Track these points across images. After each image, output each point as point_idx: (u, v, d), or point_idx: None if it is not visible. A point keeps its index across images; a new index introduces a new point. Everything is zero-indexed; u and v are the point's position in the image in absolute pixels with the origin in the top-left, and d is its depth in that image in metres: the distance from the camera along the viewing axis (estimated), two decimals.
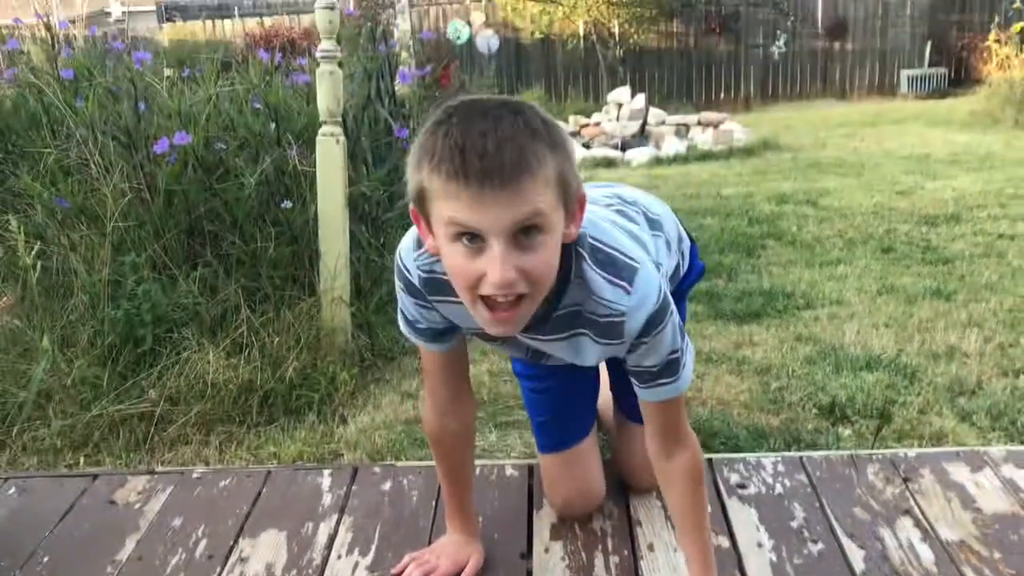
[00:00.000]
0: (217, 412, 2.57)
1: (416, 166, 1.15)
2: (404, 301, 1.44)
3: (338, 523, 1.79)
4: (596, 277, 1.30)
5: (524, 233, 1.13)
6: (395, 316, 3.07)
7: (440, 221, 1.15)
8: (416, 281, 1.37)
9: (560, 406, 1.79)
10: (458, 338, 1.50)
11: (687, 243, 1.75)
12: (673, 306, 1.35)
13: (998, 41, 10.21)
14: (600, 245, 1.32)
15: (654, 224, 1.59)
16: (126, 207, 2.89)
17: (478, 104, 1.15)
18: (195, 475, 1.99)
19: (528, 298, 1.18)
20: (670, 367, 1.37)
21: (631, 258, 1.32)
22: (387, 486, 1.91)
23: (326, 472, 1.98)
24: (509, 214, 1.10)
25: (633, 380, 1.41)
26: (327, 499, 1.87)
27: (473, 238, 1.13)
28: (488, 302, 1.17)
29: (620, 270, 1.30)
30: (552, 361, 1.59)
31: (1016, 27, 10.23)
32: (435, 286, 1.36)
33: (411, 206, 1.23)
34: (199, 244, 2.95)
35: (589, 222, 1.33)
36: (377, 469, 1.99)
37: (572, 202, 1.20)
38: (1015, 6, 11.13)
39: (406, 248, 1.38)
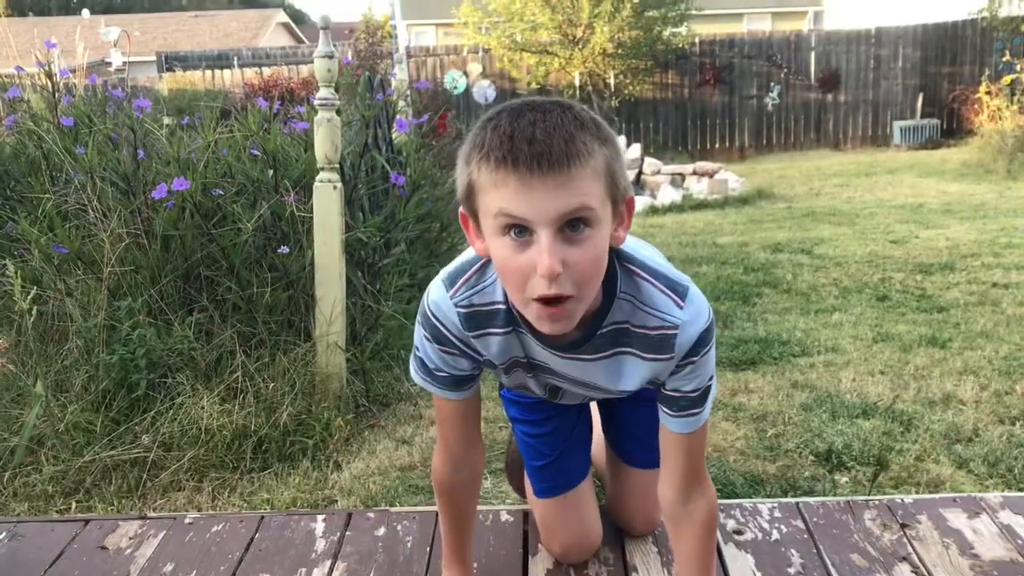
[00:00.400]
0: (210, 458, 2.55)
1: (465, 161, 1.17)
2: (427, 350, 1.42)
3: (331, 569, 1.77)
4: (649, 287, 1.30)
5: (571, 227, 1.13)
6: (390, 362, 3.12)
7: (488, 214, 1.15)
8: (454, 322, 1.36)
9: (558, 450, 1.77)
10: (476, 386, 1.50)
11: None
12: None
13: (989, 93, 10.36)
14: (649, 263, 1.33)
15: None
16: (123, 252, 2.90)
17: (528, 101, 1.16)
18: (187, 520, 1.97)
19: (575, 299, 1.17)
20: (704, 395, 1.37)
21: (679, 278, 1.33)
22: (381, 531, 1.89)
23: (320, 518, 1.97)
24: (557, 203, 1.10)
25: (664, 410, 1.39)
26: (320, 544, 1.85)
27: (521, 231, 1.13)
28: (540, 301, 1.16)
29: (674, 283, 1.31)
30: (566, 399, 1.58)
31: (1006, 79, 10.39)
32: (477, 320, 1.35)
33: (460, 210, 1.24)
34: (195, 289, 2.95)
35: (635, 245, 1.34)
36: (371, 515, 1.97)
37: (620, 201, 1.20)
38: (1005, 59, 11.31)
39: (437, 293, 1.37)
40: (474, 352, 1.40)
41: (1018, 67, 10.22)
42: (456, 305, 1.35)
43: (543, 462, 1.78)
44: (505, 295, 1.32)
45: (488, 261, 1.32)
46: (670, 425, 1.40)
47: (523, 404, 1.75)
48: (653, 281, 1.31)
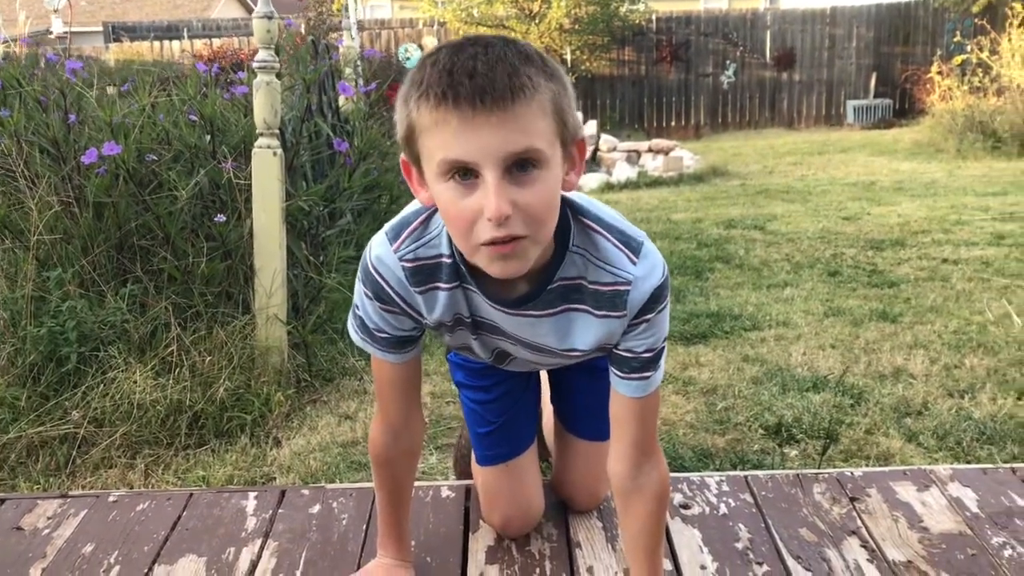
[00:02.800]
0: (143, 434, 2.46)
1: (404, 102, 1.08)
2: (367, 308, 1.34)
3: (262, 548, 1.68)
4: (603, 241, 1.24)
5: (519, 168, 1.06)
6: (334, 336, 3.03)
7: (430, 158, 1.07)
8: (399, 277, 1.28)
9: (504, 417, 1.71)
10: (417, 348, 1.42)
11: None
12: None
13: (940, 73, 10.44)
14: (604, 217, 1.27)
15: None
16: (52, 220, 2.78)
17: (470, 36, 1.08)
18: (111, 499, 1.87)
19: (529, 240, 1.09)
20: (657, 357, 1.31)
21: (635, 233, 1.27)
22: (316, 509, 1.81)
23: (251, 495, 1.88)
24: (502, 141, 1.03)
25: (615, 372, 1.33)
26: (251, 523, 1.77)
27: (465, 173, 1.06)
28: (487, 244, 1.09)
29: (628, 238, 1.25)
30: (514, 366, 1.51)
31: (957, 60, 10.48)
32: (423, 273, 1.28)
33: (401, 157, 1.16)
34: (129, 259, 2.84)
35: (589, 201, 1.28)
36: (305, 491, 1.89)
37: (570, 142, 1.13)
38: (956, 39, 11.42)
39: (380, 247, 1.29)
40: (416, 312, 1.32)
41: (968, 48, 10.31)
42: (401, 259, 1.27)
43: (487, 429, 1.72)
44: (452, 247, 1.25)
45: (434, 211, 1.25)
46: (621, 388, 1.33)
47: (469, 368, 1.68)
48: (607, 235, 1.24)
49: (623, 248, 1.24)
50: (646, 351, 1.29)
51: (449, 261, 1.27)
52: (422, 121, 1.06)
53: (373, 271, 1.29)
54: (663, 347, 1.31)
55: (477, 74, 1.01)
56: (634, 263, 1.23)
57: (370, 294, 1.32)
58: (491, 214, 1.04)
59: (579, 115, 1.16)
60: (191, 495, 1.88)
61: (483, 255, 1.11)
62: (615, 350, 1.31)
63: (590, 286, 1.25)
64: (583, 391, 1.71)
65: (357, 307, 1.37)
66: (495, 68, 1.02)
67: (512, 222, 1.06)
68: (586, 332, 1.30)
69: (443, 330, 1.37)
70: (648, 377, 1.31)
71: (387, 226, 1.31)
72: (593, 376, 1.66)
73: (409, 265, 1.27)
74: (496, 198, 1.04)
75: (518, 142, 1.04)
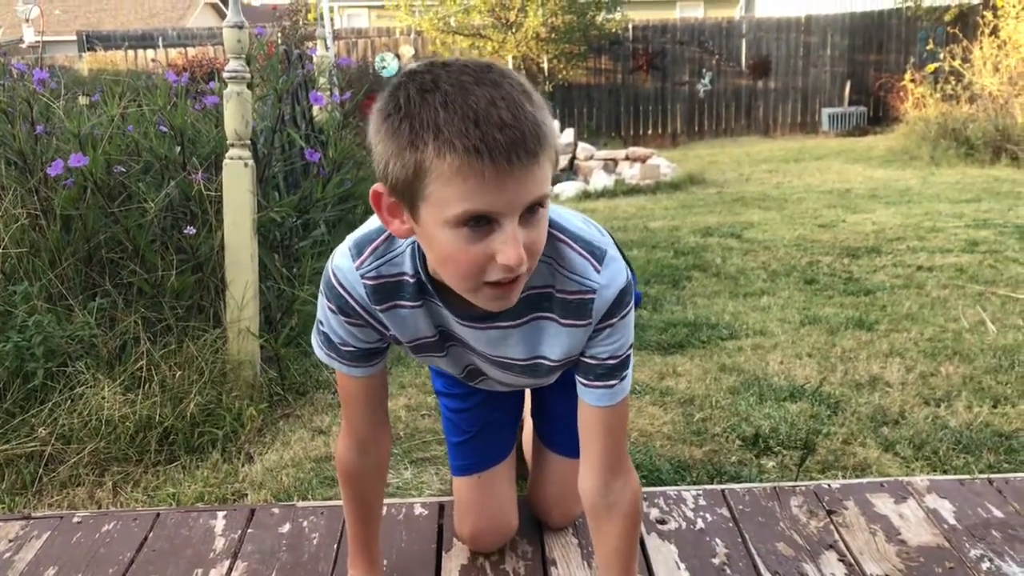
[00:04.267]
0: (112, 451, 2.41)
1: (410, 143, 1.01)
2: (331, 323, 1.31)
3: (230, 569, 1.65)
4: (568, 251, 1.23)
5: (530, 211, 1.05)
6: (307, 349, 2.99)
7: (443, 206, 1.02)
8: (361, 294, 1.26)
9: (481, 426, 1.70)
10: (383, 361, 1.40)
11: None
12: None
13: (913, 81, 10.52)
14: (568, 226, 1.26)
15: None
16: (19, 233, 2.73)
17: (462, 67, 1.03)
18: (75, 519, 1.83)
19: (526, 273, 1.10)
20: (622, 365, 1.30)
21: (599, 242, 1.26)
22: (286, 528, 1.78)
23: (220, 514, 1.84)
24: (526, 193, 1.02)
25: (581, 381, 1.32)
26: (219, 543, 1.73)
27: (480, 221, 1.03)
28: (490, 284, 1.08)
29: (592, 247, 1.24)
30: (485, 384, 1.49)
31: (930, 68, 10.57)
32: (385, 292, 1.26)
33: (379, 188, 1.09)
34: (97, 273, 2.79)
35: (554, 210, 1.26)
36: (276, 510, 1.85)
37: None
38: (929, 47, 11.52)
39: (343, 262, 1.26)
40: (381, 325, 1.30)
41: (941, 56, 10.40)
42: (363, 276, 1.25)
43: (462, 438, 1.71)
44: (415, 266, 1.23)
45: None
46: (587, 398, 1.32)
47: (449, 377, 1.66)
48: (572, 244, 1.24)
49: (587, 256, 1.23)
50: (610, 357, 1.28)
51: (412, 280, 1.24)
52: (440, 168, 1.00)
53: (337, 285, 1.27)
54: (628, 355, 1.30)
55: (507, 127, 0.98)
56: (598, 271, 1.23)
57: (334, 308, 1.29)
58: (512, 262, 1.04)
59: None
60: (158, 515, 1.85)
61: (485, 294, 1.10)
62: (581, 357, 1.30)
63: (557, 294, 1.25)
64: (562, 405, 1.68)
65: (321, 323, 1.34)
66: (520, 119, 0.99)
67: (522, 265, 1.06)
68: (554, 341, 1.29)
69: (407, 347, 1.35)
70: (613, 385, 1.30)
71: (350, 240, 1.28)
72: (572, 392, 1.64)
73: (371, 283, 1.25)
74: (517, 248, 1.03)
75: (538, 191, 1.04)
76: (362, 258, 1.25)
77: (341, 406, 1.48)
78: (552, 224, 1.23)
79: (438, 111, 0.99)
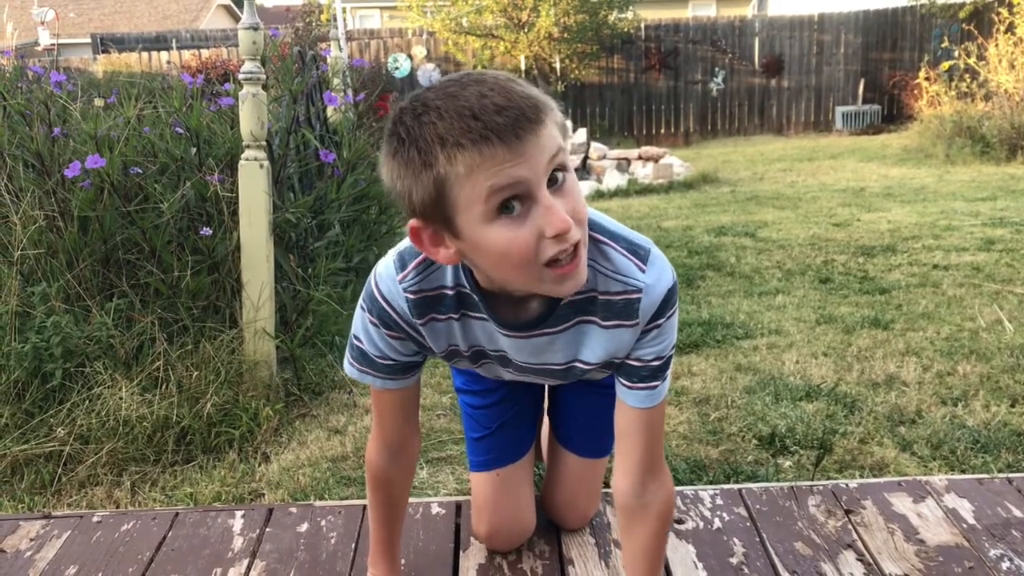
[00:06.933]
0: (130, 451, 2.42)
1: (423, 164, 1.02)
2: (372, 335, 1.31)
3: (249, 568, 1.65)
4: (611, 251, 1.22)
5: (552, 181, 1.05)
6: (323, 349, 3.00)
7: (474, 200, 1.02)
8: (403, 307, 1.26)
9: (500, 423, 1.70)
10: (419, 373, 1.40)
11: None
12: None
13: (928, 79, 10.48)
14: (608, 226, 1.25)
15: None
16: (36, 235, 2.74)
17: (446, 83, 1.05)
18: (95, 519, 1.84)
19: (582, 243, 1.09)
20: (665, 365, 1.29)
21: (642, 240, 1.26)
22: (304, 527, 1.79)
23: (238, 514, 1.85)
24: (544, 152, 1.02)
25: (622, 382, 1.31)
26: (238, 542, 1.74)
27: (510, 205, 1.03)
28: (551, 265, 1.07)
29: (635, 246, 1.24)
30: (526, 376, 1.49)
31: (945, 65, 10.52)
32: (425, 305, 1.26)
33: (414, 223, 1.10)
34: (115, 274, 2.80)
35: (592, 211, 1.25)
36: (293, 509, 1.86)
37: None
38: (943, 45, 11.46)
39: (386, 275, 1.27)
40: (420, 336, 1.31)
41: (956, 53, 10.35)
42: (405, 291, 1.25)
43: (481, 433, 1.71)
44: (457, 279, 1.23)
45: None
46: (628, 399, 1.31)
47: (470, 374, 1.67)
48: (614, 245, 1.23)
49: (631, 257, 1.22)
50: (655, 359, 1.28)
51: (451, 292, 1.25)
52: (457, 171, 1.01)
53: (380, 297, 1.27)
54: (671, 355, 1.30)
55: (503, 109, 1.00)
56: (643, 270, 1.22)
57: (376, 321, 1.29)
58: (560, 227, 1.03)
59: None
60: (177, 514, 1.85)
61: (549, 279, 1.09)
62: (625, 360, 1.29)
63: (601, 296, 1.24)
64: (580, 405, 1.69)
65: (358, 337, 1.34)
66: (513, 98, 1.01)
67: (571, 228, 1.05)
68: (595, 344, 1.28)
69: (440, 355, 1.36)
70: (655, 387, 1.30)
71: (393, 253, 1.28)
72: (591, 392, 1.64)
73: (413, 297, 1.26)
74: (559, 212, 1.03)
75: (554, 146, 1.04)
76: (405, 272, 1.25)
77: (373, 414, 1.48)
78: (591, 226, 1.22)
79: (436, 124, 1.01)
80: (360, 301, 1.31)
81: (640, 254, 1.23)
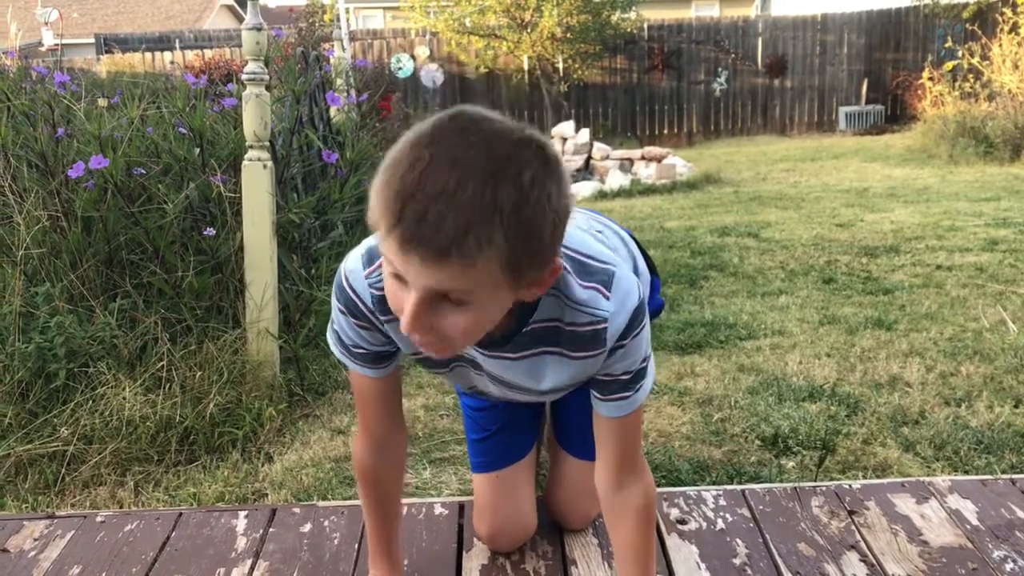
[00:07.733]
0: (133, 451, 2.42)
1: (378, 177, 0.99)
2: (342, 323, 1.32)
3: (252, 569, 1.66)
4: (574, 282, 1.19)
5: (445, 297, 1.00)
6: (327, 349, 3.00)
7: (384, 251, 1.01)
8: (366, 301, 1.26)
9: (500, 424, 1.71)
10: (396, 363, 1.40)
11: (647, 275, 1.65)
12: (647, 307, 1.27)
13: (931, 79, 10.46)
14: (572, 253, 1.22)
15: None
16: (40, 235, 2.75)
17: (466, 140, 0.96)
18: (99, 519, 1.84)
19: (449, 347, 1.07)
20: (636, 377, 1.28)
21: (604, 262, 1.22)
22: (307, 528, 1.79)
23: (242, 514, 1.85)
24: (428, 280, 0.97)
25: (595, 394, 1.32)
26: (241, 543, 1.74)
27: (400, 277, 1.01)
28: None
29: (595, 275, 1.21)
30: (489, 398, 1.49)
31: (948, 65, 10.51)
32: (388, 305, 1.26)
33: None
34: (118, 274, 2.81)
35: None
36: (297, 510, 1.86)
37: (527, 281, 1.04)
38: (947, 45, 11.45)
39: (354, 267, 1.26)
40: (384, 335, 1.30)
41: (959, 54, 10.34)
42: (371, 286, 1.25)
43: (481, 435, 1.72)
44: None
45: None
46: (601, 409, 1.32)
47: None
48: (577, 277, 1.20)
49: (595, 286, 1.20)
50: (624, 373, 1.27)
51: None
52: (376, 214, 0.97)
53: (347, 287, 1.27)
54: (643, 367, 1.29)
55: (424, 222, 0.93)
56: (607, 298, 1.20)
57: (344, 309, 1.29)
58: (405, 329, 1.02)
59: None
60: (180, 514, 1.86)
61: (415, 337, 1.08)
62: (595, 376, 1.29)
63: (567, 328, 1.22)
64: (579, 408, 1.68)
65: (333, 322, 1.35)
66: (444, 220, 0.92)
67: (426, 342, 1.05)
68: (559, 372, 1.29)
69: (412, 359, 1.36)
70: (627, 397, 1.30)
71: (364, 246, 1.27)
72: (587, 397, 1.64)
73: (378, 293, 1.24)
74: (410, 320, 1.00)
75: (443, 284, 0.98)
76: (372, 267, 1.24)
77: (356, 406, 1.48)
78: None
79: (403, 167, 0.96)
80: (333, 288, 1.32)
81: (604, 280, 1.20)
